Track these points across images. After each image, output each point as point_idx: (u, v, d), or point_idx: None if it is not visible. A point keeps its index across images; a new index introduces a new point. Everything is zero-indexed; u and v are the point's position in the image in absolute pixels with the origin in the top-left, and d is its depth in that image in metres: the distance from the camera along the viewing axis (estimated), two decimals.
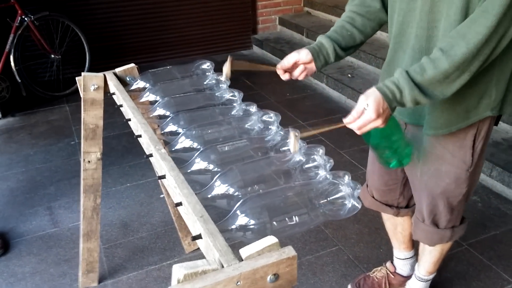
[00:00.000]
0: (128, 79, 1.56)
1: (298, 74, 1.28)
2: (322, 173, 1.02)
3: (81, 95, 1.54)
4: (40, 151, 3.01)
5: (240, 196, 0.92)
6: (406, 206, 1.57)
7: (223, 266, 0.71)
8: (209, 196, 0.89)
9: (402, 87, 1.04)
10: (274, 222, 0.84)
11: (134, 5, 4.29)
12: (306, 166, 1.03)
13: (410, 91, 1.03)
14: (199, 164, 1.01)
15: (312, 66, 1.27)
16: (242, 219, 0.83)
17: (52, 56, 3.76)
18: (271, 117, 1.22)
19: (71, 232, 2.24)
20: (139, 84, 1.49)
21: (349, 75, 3.64)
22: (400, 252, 1.76)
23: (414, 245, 1.74)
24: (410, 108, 1.11)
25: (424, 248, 1.57)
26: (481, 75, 1.10)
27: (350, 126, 1.07)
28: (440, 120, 1.20)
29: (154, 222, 2.30)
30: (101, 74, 1.53)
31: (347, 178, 0.96)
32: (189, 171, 0.98)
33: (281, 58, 4.38)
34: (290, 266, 0.73)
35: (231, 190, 0.93)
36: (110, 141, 3.11)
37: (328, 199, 0.96)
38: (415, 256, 1.76)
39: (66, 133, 3.23)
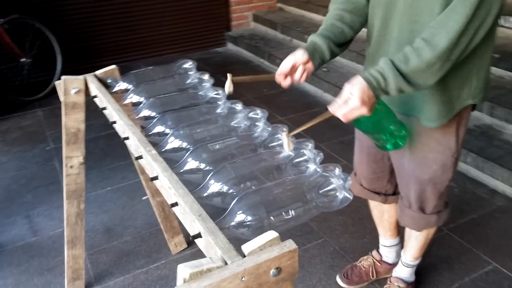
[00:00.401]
0: (109, 81, 1.55)
1: (299, 76, 1.26)
2: (312, 167, 1.03)
3: (62, 99, 1.51)
4: (14, 158, 2.93)
5: (234, 193, 0.93)
6: (393, 193, 1.62)
7: (226, 263, 0.72)
8: (204, 195, 0.90)
9: (387, 76, 1.06)
10: (272, 217, 0.85)
11: (105, 6, 4.22)
12: (297, 160, 1.04)
13: (394, 79, 1.06)
14: (191, 163, 1.01)
15: (310, 66, 1.25)
16: (240, 216, 0.84)
17: (23, 59, 3.65)
18: (258, 113, 1.23)
19: (52, 240, 2.19)
20: (121, 86, 1.48)
21: (324, 69, 3.68)
22: (386, 240, 1.80)
23: (399, 232, 1.79)
24: (397, 97, 1.14)
25: (410, 234, 1.62)
26: (462, 65, 1.14)
27: (335, 114, 1.09)
28: (434, 113, 1.23)
29: (138, 225, 2.28)
30: (81, 77, 1.50)
31: (337, 170, 0.98)
32: (182, 170, 0.98)
33: (257, 54, 4.38)
34: (292, 259, 0.74)
35: (225, 188, 0.94)
36: (87, 144, 2.96)
37: (320, 191, 0.97)
38: (401, 243, 1.80)
39: (40, 139, 3.16)
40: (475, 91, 1.23)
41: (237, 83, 1.24)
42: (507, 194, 2.32)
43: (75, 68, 4.26)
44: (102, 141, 3.08)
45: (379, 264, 1.84)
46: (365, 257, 1.89)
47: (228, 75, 1.23)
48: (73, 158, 1.59)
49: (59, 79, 1.48)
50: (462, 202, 2.32)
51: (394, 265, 1.82)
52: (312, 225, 2.20)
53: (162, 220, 1.92)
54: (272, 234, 0.74)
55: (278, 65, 4.06)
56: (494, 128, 2.64)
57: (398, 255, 1.82)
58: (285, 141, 1.05)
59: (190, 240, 2.12)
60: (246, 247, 0.73)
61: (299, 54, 1.24)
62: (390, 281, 1.76)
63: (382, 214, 1.74)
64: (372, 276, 1.83)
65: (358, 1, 1.33)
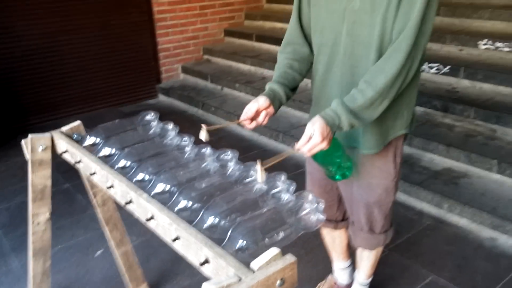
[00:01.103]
0: (75, 136, 1.61)
1: (262, 119, 1.44)
2: (286, 196, 1.19)
3: (28, 157, 1.55)
4: None
5: (227, 224, 1.06)
6: (342, 219, 1.81)
7: (240, 279, 0.84)
8: (204, 227, 1.02)
9: (340, 114, 1.27)
10: (266, 239, 0.99)
11: (35, 63, 4.18)
12: (273, 191, 1.20)
13: (346, 116, 1.27)
14: (182, 202, 1.12)
15: (271, 109, 1.44)
16: (240, 241, 0.96)
17: None
18: (229, 154, 1.38)
19: None
20: (90, 140, 1.55)
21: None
22: (340, 263, 1.98)
23: (350, 255, 1.98)
24: (346, 132, 1.35)
25: (362, 256, 1.81)
26: (396, 101, 1.38)
27: (301, 150, 1.27)
28: (372, 141, 1.46)
29: (97, 280, 2.25)
30: (48, 134, 1.56)
31: (310, 196, 1.15)
32: (176, 209, 1.09)
33: (190, 103, 4.57)
34: (292, 270, 0.89)
35: (217, 219, 1.06)
36: (26, 206, 2.95)
37: (297, 216, 1.13)
38: (352, 264, 1.99)
39: None
40: (406, 122, 1.49)
41: (210, 131, 1.39)
42: (433, 214, 2.64)
43: (5, 128, 4.14)
44: None
45: (335, 287, 2.01)
46: (322, 282, 2.05)
47: (203, 126, 1.38)
48: (39, 215, 1.61)
49: None
50: (397, 225, 2.58)
51: (349, 286, 2.00)
52: None
53: (127, 270, 1.94)
54: (275, 250, 0.88)
55: (212, 113, 4.27)
56: (413, 157, 3.01)
57: (351, 276, 2.00)
58: (258, 173, 1.20)
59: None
60: (255, 264, 0.86)
61: (261, 101, 1.43)
62: None
63: (334, 239, 1.93)
64: None
65: (303, 51, 1.56)
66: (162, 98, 5.03)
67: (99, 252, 2.42)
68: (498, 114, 2.86)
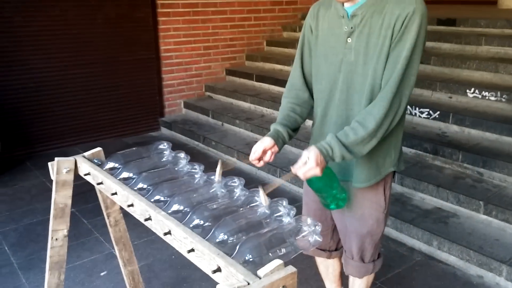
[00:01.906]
0: (95, 160, 1.76)
1: (269, 158, 1.61)
2: (287, 219, 1.34)
3: (53, 178, 1.69)
4: None
5: (234, 240, 1.20)
6: (335, 249, 1.95)
7: (248, 283, 0.98)
8: (217, 241, 1.16)
9: (333, 146, 1.45)
10: (270, 254, 1.13)
11: (45, 94, 4.38)
12: (276, 214, 1.34)
13: (338, 149, 1.45)
14: (196, 220, 1.27)
15: (276, 148, 1.62)
16: (247, 255, 1.11)
17: None
18: (235, 181, 1.53)
19: None
20: (109, 164, 1.71)
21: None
22: None
23: (343, 283, 2.10)
24: (341, 167, 1.52)
25: (353, 283, 1.93)
26: (384, 141, 1.56)
27: (297, 172, 1.44)
28: (363, 176, 1.63)
29: None
30: (72, 158, 1.71)
31: (309, 220, 1.30)
32: (191, 226, 1.24)
33: (191, 137, 4.76)
34: (293, 280, 1.03)
35: (227, 236, 1.21)
36: (34, 227, 3.08)
37: (297, 238, 1.28)
38: None
39: None
40: (394, 160, 1.67)
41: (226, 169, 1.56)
42: (423, 250, 2.77)
43: (14, 154, 4.29)
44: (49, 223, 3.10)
45: None
46: None
47: (220, 161, 1.54)
48: (58, 231, 1.74)
49: None
50: (388, 260, 2.71)
51: None
52: None
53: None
54: (278, 262, 1.02)
55: (213, 147, 4.45)
56: (405, 195, 3.16)
57: None
58: (262, 197, 1.36)
59: None
60: (261, 271, 1.00)
61: (267, 142, 1.60)
62: None
63: (327, 268, 2.05)
64: None
65: (304, 96, 1.75)
66: (164, 131, 5.21)
67: (103, 273, 2.51)
68: (485, 158, 3.04)
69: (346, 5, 1.54)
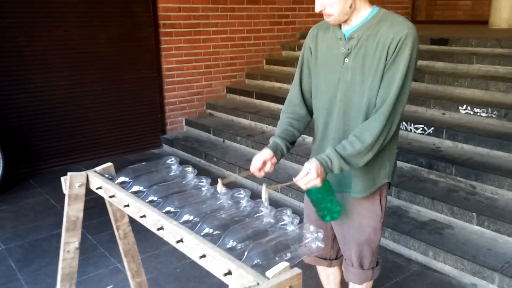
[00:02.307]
0: (106, 175, 1.86)
1: (269, 168, 1.73)
2: (291, 227, 1.44)
3: (66, 192, 1.78)
4: None
5: (243, 247, 1.29)
6: (335, 257, 2.04)
7: (258, 283, 1.07)
8: (226, 247, 1.25)
9: (332, 158, 1.56)
10: (276, 258, 1.22)
11: (48, 113, 4.49)
12: (281, 223, 1.44)
13: (337, 161, 1.56)
14: (206, 229, 1.36)
15: (275, 159, 1.74)
16: (255, 260, 1.20)
17: None
18: (242, 193, 1.63)
19: None
20: (120, 179, 1.80)
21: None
22: None
23: None
24: (340, 179, 1.62)
25: None
26: (379, 154, 1.67)
27: (298, 182, 1.55)
28: (360, 187, 1.73)
29: None
30: (84, 173, 1.80)
31: (311, 228, 1.40)
32: (202, 234, 1.33)
33: (193, 154, 4.88)
34: (298, 280, 1.12)
35: (235, 243, 1.30)
36: (39, 243, 3.15)
37: (300, 244, 1.37)
38: None
39: None
40: (389, 172, 1.77)
41: (226, 183, 1.66)
42: (419, 261, 2.86)
43: (17, 171, 4.37)
44: (55, 239, 3.18)
45: None
46: None
47: (219, 180, 1.64)
48: (70, 244, 1.82)
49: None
50: (386, 270, 2.80)
51: None
52: None
53: None
54: (284, 264, 1.12)
55: (214, 163, 4.56)
56: (402, 208, 3.26)
57: None
58: (263, 193, 1.46)
59: None
60: (269, 273, 1.09)
61: (267, 153, 1.72)
62: None
63: (328, 276, 2.14)
64: None
65: (302, 112, 1.88)
66: (166, 148, 5.32)
67: (109, 287, 2.58)
68: (477, 172, 3.15)
69: (343, 28, 1.67)
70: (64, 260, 1.82)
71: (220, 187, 1.64)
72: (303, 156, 3.91)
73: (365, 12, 1.63)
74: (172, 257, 2.93)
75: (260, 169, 1.72)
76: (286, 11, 5.97)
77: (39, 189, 4.09)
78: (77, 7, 4.45)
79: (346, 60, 1.66)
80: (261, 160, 1.71)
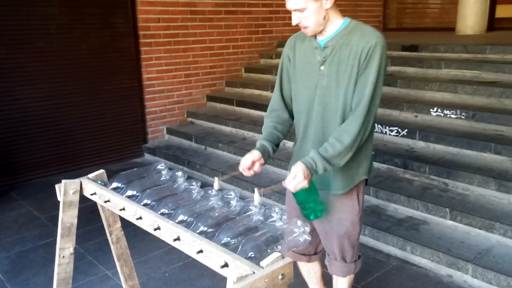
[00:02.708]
0: (99, 182, 1.93)
1: (257, 168, 1.85)
2: (280, 223, 1.55)
3: (61, 199, 1.85)
4: None
5: (236, 242, 1.40)
6: (314, 253, 2.16)
7: (254, 272, 1.17)
8: (222, 242, 1.35)
9: (316, 160, 1.69)
10: (268, 250, 1.33)
11: (28, 125, 4.48)
12: (269, 220, 1.55)
13: (321, 163, 1.69)
14: (201, 227, 1.46)
15: (262, 160, 1.86)
16: (249, 253, 1.30)
17: None
18: (231, 194, 1.73)
19: None
20: (113, 184, 1.88)
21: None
22: None
23: (325, 283, 2.30)
24: (321, 178, 1.75)
25: (337, 283, 2.14)
26: (357, 153, 1.80)
27: (288, 185, 1.67)
28: (340, 184, 1.87)
29: None
30: (78, 180, 1.88)
31: (299, 222, 1.51)
32: (197, 232, 1.43)
33: (176, 162, 4.97)
34: (290, 269, 1.23)
35: (229, 239, 1.40)
36: (26, 254, 3.17)
37: (289, 238, 1.48)
38: None
39: None
40: (366, 169, 1.92)
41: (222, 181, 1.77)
42: (398, 256, 3.00)
43: None
44: (42, 250, 3.20)
45: None
46: None
47: (216, 178, 1.75)
48: (65, 249, 1.88)
49: None
50: (367, 265, 2.93)
51: None
52: None
53: None
54: (277, 254, 1.23)
55: (198, 170, 4.65)
56: (380, 207, 3.41)
57: None
58: (256, 196, 1.57)
59: None
60: (263, 262, 1.20)
61: (255, 154, 1.85)
62: None
63: (309, 271, 2.27)
64: None
65: (284, 116, 2.01)
66: (147, 157, 5.36)
67: None
68: (449, 170, 3.33)
69: (319, 38, 1.82)
70: (60, 265, 1.88)
71: (216, 185, 1.75)
72: (284, 161, 4.04)
73: (337, 23, 1.78)
74: (160, 263, 3.00)
75: (249, 168, 1.84)
76: (263, 21, 6.12)
77: (21, 201, 4.07)
78: (58, 19, 4.49)
79: (322, 68, 1.80)
80: (250, 160, 1.83)
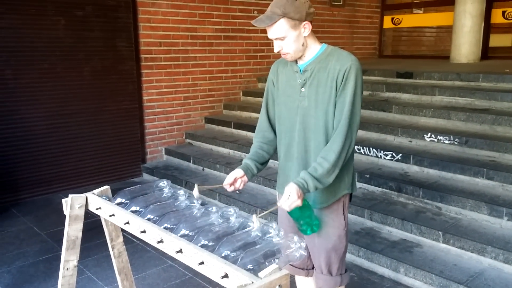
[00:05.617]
0: (103, 197, 2.01)
1: (239, 185, 1.98)
2: (277, 239, 1.62)
3: (67, 213, 1.92)
4: None
5: (235, 256, 1.47)
6: (312, 267, 2.22)
7: (253, 282, 1.24)
8: (222, 255, 1.42)
9: (307, 180, 1.79)
10: (266, 263, 1.40)
11: (31, 143, 4.57)
12: (267, 236, 1.62)
13: (311, 182, 1.79)
14: (202, 240, 1.53)
15: (246, 178, 1.99)
16: (248, 265, 1.38)
17: None
18: (231, 211, 1.81)
19: None
20: (117, 200, 1.96)
21: (237, 192, 4.37)
22: None
23: None
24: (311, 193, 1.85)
25: None
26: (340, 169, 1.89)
27: (283, 205, 1.76)
28: (322, 198, 1.97)
29: None
30: (84, 195, 1.95)
31: (295, 238, 1.58)
32: (199, 245, 1.50)
33: (173, 182, 5.09)
34: (286, 280, 1.30)
35: (229, 252, 1.47)
36: (27, 269, 3.20)
37: (285, 253, 1.55)
38: None
39: None
40: (348, 184, 2.02)
41: (201, 191, 1.87)
42: (391, 277, 3.06)
43: (0, 200, 4.39)
44: (42, 265, 3.24)
45: None
46: None
47: (196, 185, 1.84)
48: (69, 262, 1.94)
49: None
50: (361, 286, 2.98)
51: None
52: None
53: None
54: (274, 266, 1.30)
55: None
56: (374, 229, 3.48)
57: None
58: (255, 221, 1.65)
59: None
60: (262, 273, 1.27)
61: (238, 172, 1.98)
62: None
63: (306, 286, 2.31)
64: None
65: (270, 136, 2.14)
66: (146, 176, 5.43)
67: None
68: (442, 194, 3.42)
69: (299, 62, 1.97)
70: (64, 277, 1.94)
71: (196, 192, 1.84)
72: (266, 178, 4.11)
73: (315, 48, 1.93)
74: (158, 280, 3.04)
75: (231, 184, 1.96)
76: (261, 46, 6.30)
77: (22, 218, 4.12)
78: (62, 42, 4.62)
79: (303, 90, 1.94)
80: (233, 177, 1.97)
